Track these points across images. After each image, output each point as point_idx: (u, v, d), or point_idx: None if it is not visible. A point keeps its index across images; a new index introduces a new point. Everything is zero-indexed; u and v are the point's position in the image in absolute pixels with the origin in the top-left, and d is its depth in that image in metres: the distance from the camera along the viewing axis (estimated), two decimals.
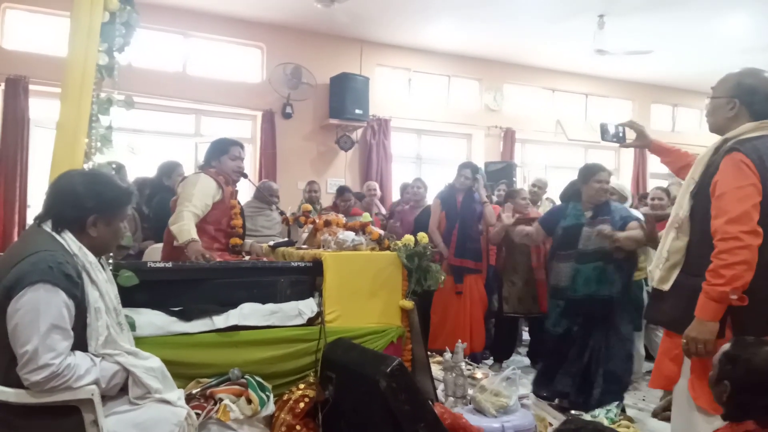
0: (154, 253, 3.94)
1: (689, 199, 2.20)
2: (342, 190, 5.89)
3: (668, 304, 2.23)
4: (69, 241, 1.90)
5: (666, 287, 2.22)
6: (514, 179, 7.18)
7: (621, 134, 2.75)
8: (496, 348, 5.00)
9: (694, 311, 2.04)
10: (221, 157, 3.47)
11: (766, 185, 2.04)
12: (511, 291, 4.76)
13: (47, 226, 1.91)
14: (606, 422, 3.19)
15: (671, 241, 2.23)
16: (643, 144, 2.68)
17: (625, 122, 2.73)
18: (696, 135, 10.20)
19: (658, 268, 2.27)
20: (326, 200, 6.64)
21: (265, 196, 5.10)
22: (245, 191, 6.30)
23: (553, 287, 3.84)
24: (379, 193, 6.70)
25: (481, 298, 4.86)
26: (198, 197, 3.22)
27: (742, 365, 1.73)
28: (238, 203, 3.57)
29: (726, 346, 1.82)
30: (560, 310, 3.74)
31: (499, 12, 6.89)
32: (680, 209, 2.23)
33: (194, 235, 3.10)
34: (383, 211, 6.45)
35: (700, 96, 10.01)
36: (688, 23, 7.10)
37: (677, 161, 2.62)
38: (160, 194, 4.81)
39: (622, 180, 9.60)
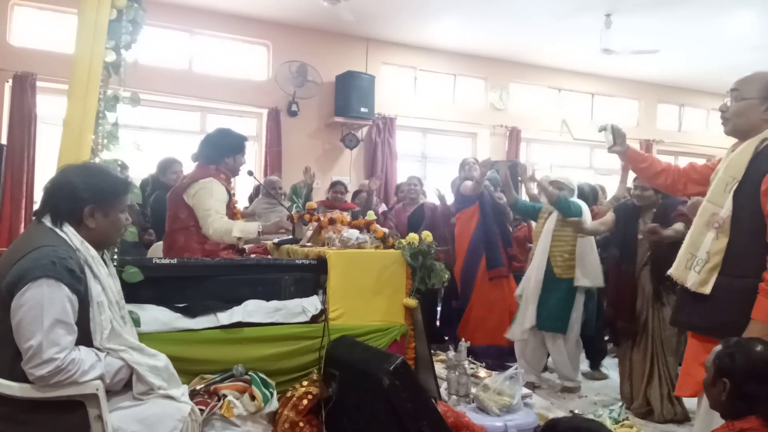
0: (157, 251, 3.95)
1: (731, 198, 2.15)
2: (334, 184, 5.82)
3: (710, 308, 2.17)
4: (70, 235, 1.90)
5: (707, 290, 2.16)
6: (519, 179, 7.14)
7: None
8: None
9: (751, 314, 2.00)
10: (236, 155, 3.38)
11: None
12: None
13: (47, 221, 1.91)
14: (609, 422, 3.19)
15: (711, 242, 2.17)
16: (623, 149, 2.67)
17: (612, 125, 2.71)
18: (702, 135, 10.14)
19: (693, 270, 2.21)
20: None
21: (271, 193, 5.09)
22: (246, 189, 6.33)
23: None
24: (369, 186, 6.44)
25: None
26: (219, 206, 3.19)
27: (741, 357, 1.73)
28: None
29: (717, 348, 1.81)
30: None
31: (506, 10, 6.87)
32: (719, 209, 2.18)
33: (257, 226, 3.25)
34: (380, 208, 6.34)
35: (707, 96, 9.95)
36: (695, 22, 7.06)
37: (652, 167, 2.63)
38: (157, 191, 4.80)
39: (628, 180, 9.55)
